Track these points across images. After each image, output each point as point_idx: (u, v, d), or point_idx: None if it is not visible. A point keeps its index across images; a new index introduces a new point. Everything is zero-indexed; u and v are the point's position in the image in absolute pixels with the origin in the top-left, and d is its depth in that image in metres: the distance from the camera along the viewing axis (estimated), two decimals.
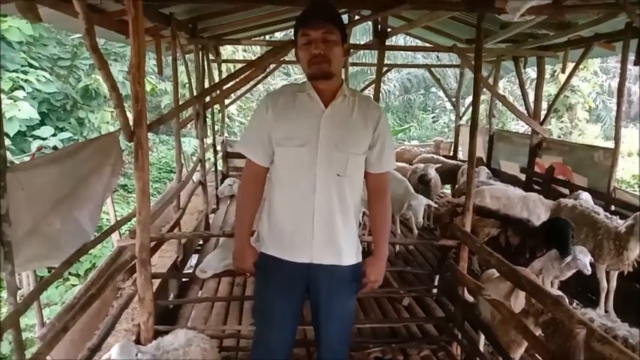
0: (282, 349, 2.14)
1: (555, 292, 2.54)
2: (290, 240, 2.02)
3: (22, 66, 9.96)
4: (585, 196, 4.73)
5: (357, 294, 2.19)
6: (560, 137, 13.50)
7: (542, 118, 6.79)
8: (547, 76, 10.07)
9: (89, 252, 6.52)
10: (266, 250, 2.09)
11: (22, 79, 9.56)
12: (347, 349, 2.27)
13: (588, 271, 3.31)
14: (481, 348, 3.32)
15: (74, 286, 7.29)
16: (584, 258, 3.30)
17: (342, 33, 1.97)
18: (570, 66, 6.41)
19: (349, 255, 2.08)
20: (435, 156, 8.20)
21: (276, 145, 2.00)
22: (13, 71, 9.59)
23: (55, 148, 8.95)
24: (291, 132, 1.97)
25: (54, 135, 10.02)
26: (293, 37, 2.05)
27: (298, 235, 2.01)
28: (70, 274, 7.78)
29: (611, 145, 5.02)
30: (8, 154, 7.67)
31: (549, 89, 12.11)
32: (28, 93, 9.57)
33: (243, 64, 5.09)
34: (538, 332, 2.67)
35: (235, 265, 2.18)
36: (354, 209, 2.09)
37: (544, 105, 7.09)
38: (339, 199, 2.01)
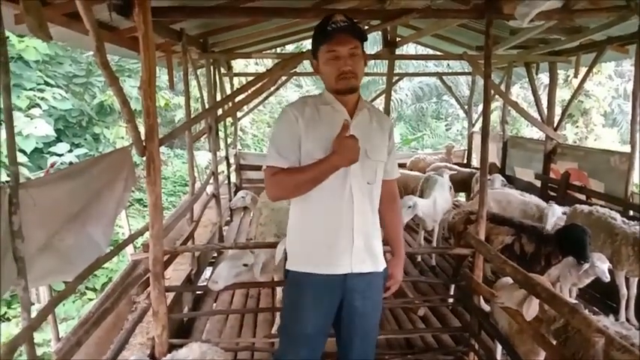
0: None
1: (572, 300, 2.48)
2: (328, 253, 2.00)
3: (39, 84, 10.15)
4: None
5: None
6: (575, 142, 13.33)
7: (555, 124, 6.71)
8: (560, 81, 10.01)
9: (105, 266, 6.57)
10: (298, 268, 2.05)
11: (38, 97, 9.74)
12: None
13: (607, 278, 3.25)
14: (498, 358, 3.26)
15: (91, 300, 7.34)
16: (602, 265, 3.24)
17: (363, 45, 1.99)
18: (583, 70, 6.34)
19: (382, 260, 2.12)
20: (449, 164, 8.13)
21: (307, 157, 1.95)
22: (30, 89, 9.78)
23: (70, 164, 9.06)
24: (323, 143, 1.94)
25: (70, 151, 10.15)
26: (311, 50, 2.03)
27: (338, 247, 1.99)
28: (86, 288, 7.85)
29: (627, 149, 4.93)
30: (25, 170, 7.78)
31: (563, 94, 11.98)
32: (44, 110, 9.73)
33: (254, 77, 5.12)
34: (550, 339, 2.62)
35: (344, 155, 1.87)
36: (378, 215, 2.13)
37: (558, 110, 7.01)
38: (371, 207, 2.06)
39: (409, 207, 4.71)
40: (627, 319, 4.00)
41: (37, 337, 2.30)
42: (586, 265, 3.25)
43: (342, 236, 1.99)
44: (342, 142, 1.87)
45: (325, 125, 1.97)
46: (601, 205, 4.65)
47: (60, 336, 3.29)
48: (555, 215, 4.35)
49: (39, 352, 2.76)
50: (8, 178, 2.09)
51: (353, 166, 1.95)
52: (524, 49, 6.41)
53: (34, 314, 2.27)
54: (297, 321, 2.07)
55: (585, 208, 4.44)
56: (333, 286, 2.01)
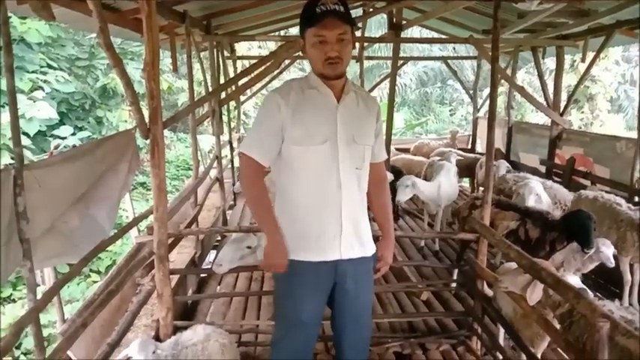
0: (308, 349, 2.15)
1: (578, 284, 2.48)
2: (317, 240, 1.99)
3: (41, 67, 10.11)
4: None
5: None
6: (580, 128, 13.26)
7: (561, 109, 6.66)
8: (566, 66, 9.90)
9: (109, 249, 6.61)
10: (294, 256, 2.01)
11: (41, 80, 9.71)
12: (369, 341, 2.30)
13: (612, 263, 3.24)
14: (501, 342, 3.27)
15: (95, 282, 7.40)
16: (607, 250, 3.23)
17: (352, 30, 1.94)
18: (590, 55, 6.27)
19: (371, 244, 2.12)
20: (453, 150, 8.10)
21: (293, 144, 1.94)
22: (33, 72, 9.74)
23: (73, 147, 9.06)
24: (309, 129, 1.92)
25: (73, 134, 10.16)
26: (299, 30, 1.97)
27: (327, 234, 1.98)
28: (91, 270, 7.90)
29: (633, 135, 4.89)
30: (29, 153, 7.79)
31: (568, 79, 11.88)
32: (47, 93, 9.71)
33: (258, 60, 5.08)
34: (555, 324, 2.63)
35: (272, 261, 1.99)
36: (366, 199, 2.12)
37: (563, 96, 6.94)
38: (359, 192, 2.04)
39: (406, 186, 4.72)
40: (630, 305, 4.00)
41: (43, 318, 2.32)
42: (591, 251, 3.24)
43: (331, 224, 1.98)
44: (278, 247, 1.97)
45: (311, 110, 1.94)
46: (606, 191, 4.63)
47: (65, 318, 3.31)
48: (532, 193, 4.33)
49: (44, 333, 2.79)
50: (12, 160, 2.08)
51: (341, 152, 1.94)
52: (531, 32, 6.34)
53: (39, 296, 2.29)
54: (291, 308, 2.08)
55: (590, 194, 4.42)
56: (324, 272, 2.02)
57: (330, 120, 1.95)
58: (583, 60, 6.33)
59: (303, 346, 2.12)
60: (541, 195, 4.36)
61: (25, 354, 6.02)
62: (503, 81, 6.38)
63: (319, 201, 1.97)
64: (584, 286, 2.44)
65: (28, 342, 5.66)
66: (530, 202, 4.25)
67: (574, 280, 2.58)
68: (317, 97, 1.96)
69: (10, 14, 2.14)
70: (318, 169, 1.95)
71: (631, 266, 4.02)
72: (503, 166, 6.01)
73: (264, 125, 1.97)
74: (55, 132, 9.98)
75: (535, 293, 2.59)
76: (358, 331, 2.15)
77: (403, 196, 4.75)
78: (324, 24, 1.83)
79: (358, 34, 8.68)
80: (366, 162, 2.07)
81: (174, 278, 3.59)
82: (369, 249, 2.11)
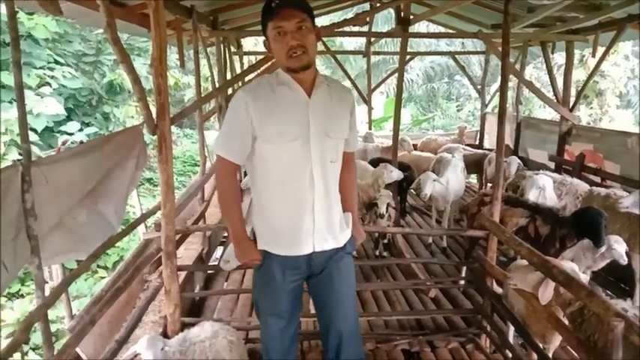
0: (290, 340, 2.17)
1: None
2: (291, 235, 1.99)
3: (48, 63, 10.13)
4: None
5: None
6: (589, 124, 13.13)
7: (571, 105, 6.58)
8: (575, 61, 9.79)
9: (116, 245, 6.62)
10: (264, 247, 2.05)
11: (48, 76, 9.74)
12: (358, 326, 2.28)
13: (624, 260, 3.20)
14: (511, 340, 3.24)
15: (102, 278, 7.43)
16: (619, 247, 3.18)
17: (312, 19, 1.90)
18: (600, 50, 6.19)
19: (343, 235, 2.11)
20: (461, 146, 8.03)
21: (265, 142, 1.92)
22: (40, 68, 9.76)
23: (81, 142, 9.09)
24: (280, 127, 1.89)
25: (80, 130, 10.18)
26: (262, 28, 1.94)
27: (301, 230, 1.98)
28: (98, 266, 7.93)
29: None
30: (37, 149, 7.79)
31: (577, 75, 11.75)
32: (54, 89, 9.74)
33: (264, 56, 5.05)
34: (565, 323, 2.59)
35: (241, 260, 2.09)
36: (338, 191, 2.11)
37: (572, 91, 6.86)
38: (333, 185, 2.04)
39: (434, 180, 4.83)
40: None
41: (50, 314, 2.32)
42: (603, 248, 3.20)
43: (304, 219, 1.97)
44: (243, 246, 2.05)
45: (282, 107, 1.91)
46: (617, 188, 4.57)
47: (73, 313, 3.31)
48: (534, 186, 4.29)
49: (52, 329, 2.79)
50: (20, 156, 2.07)
51: (313, 148, 1.92)
52: (541, 27, 6.26)
53: (47, 292, 2.28)
54: (269, 299, 2.12)
55: (602, 190, 4.37)
56: (298, 264, 2.04)
57: (301, 117, 1.91)
58: (593, 55, 6.25)
59: (286, 337, 2.15)
60: (545, 189, 4.31)
61: (33, 349, 6.05)
62: (511, 76, 6.31)
63: (292, 197, 1.97)
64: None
65: (36, 337, 5.68)
66: (531, 195, 4.21)
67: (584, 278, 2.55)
68: (287, 93, 1.92)
69: (17, 9, 2.12)
70: (290, 167, 1.94)
71: None
72: (515, 162, 5.94)
73: (232, 124, 1.96)
74: (62, 128, 10.01)
75: (547, 292, 2.56)
76: (343, 321, 2.13)
77: (429, 190, 4.81)
78: (281, 15, 1.82)
79: (365, 29, 8.64)
80: (340, 154, 2.06)
81: (182, 275, 3.59)
82: (342, 240, 2.10)
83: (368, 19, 7.27)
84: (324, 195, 1.98)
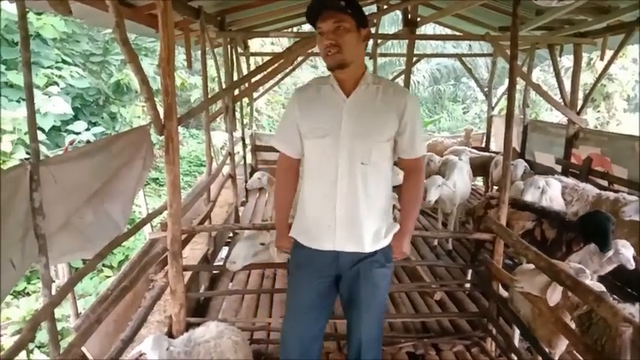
0: (311, 338, 2.15)
1: (598, 286, 2.42)
2: (315, 228, 2.06)
3: (56, 62, 10.19)
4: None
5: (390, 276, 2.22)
6: (596, 127, 13.07)
7: (578, 108, 6.55)
8: (583, 64, 9.75)
9: (122, 244, 6.65)
10: (296, 237, 2.16)
11: (56, 75, 9.79)
12: (381, 338, 2.27)
13: (632, 265, 3.18)
14: (516, 343, 3.23)
15: (108, 277, 7.45)
16: (627, 252, 3.16)
17: (357, 18, 1.91)
18: (609, 53, 6.15)
19: (372, 242, 2.06)
20: (467, 148, 8.01)
21: (304, 138, 2.07)
22: (48, 67, 9.82)
23: (88, 142, 9.13)
24: (315, 124, 2.01)
25: (87, 129, 10.22)
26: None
27: (322, 224, 2.04)
28: (103, 265, 7.95)
29: None
30: (44, 148, 7.82)
31: (585, 78, 11.69)
32: (62, 89, 9.79)
33: (271, 57, 5.06)
34: (572, 327, 2.58)
35: (276, 245, 2.38)
36: (380, 197, 2.07)
37: (580, 94, 6.82)
38: (363, 188, 2.00)
39: (438, 186, 4.76)
40: None
41: (56, 312, 2.33)
42: (610, 253, 3.18)
43: (326, 214, 2.02)
44: (279, 234, 2.34)
45: (321, 105, 2.01)
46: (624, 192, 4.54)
47: (79, 312, 3.32)
48: (533, 185, 4.26)
49: (58, 327, 2.80)
50: (28, 156, 2.08)
51: (341, 147, 1.95)
52: (549, 30, 6.24)
53: (53, 291, 2.29)
54: (293, 292, 2.20)
55: (611, 195, 4.34)
56: (324, 262, 2.07)
57: (335, 115, 1.97)
58: (602, 58, 6.21)
59: (306, 334, 2.14)
60: (547, 191, 4.28)
61: (38, 347, 6.08)
62: (518, 79, 6.28)
63: (319, 193, 2.05)
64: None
65: (42, 335, 5.71)
66: (529, 195, 4.19)
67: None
68: (329, 92, 2.02)
69: (27, 9, 2.14)
70: (320, 163, 2.03)
71: None
72: (521, 165, 5.92)
73: (284, 120, 2.16)
74: (70, 127, 10.06)
75: (555, 294, 2.54)
76: (363, 329, 2.14)
77: (434, 196, 4.73)
78: (321, 17, 1.89)
79: (372, 30, 8.63)
80: (376, 159, 2.00)
81: (187, 275, 3.60)
82: (368, 247, 2.05)
83: (375, 21, 7.26)
84: (348, 195, 1.99)
